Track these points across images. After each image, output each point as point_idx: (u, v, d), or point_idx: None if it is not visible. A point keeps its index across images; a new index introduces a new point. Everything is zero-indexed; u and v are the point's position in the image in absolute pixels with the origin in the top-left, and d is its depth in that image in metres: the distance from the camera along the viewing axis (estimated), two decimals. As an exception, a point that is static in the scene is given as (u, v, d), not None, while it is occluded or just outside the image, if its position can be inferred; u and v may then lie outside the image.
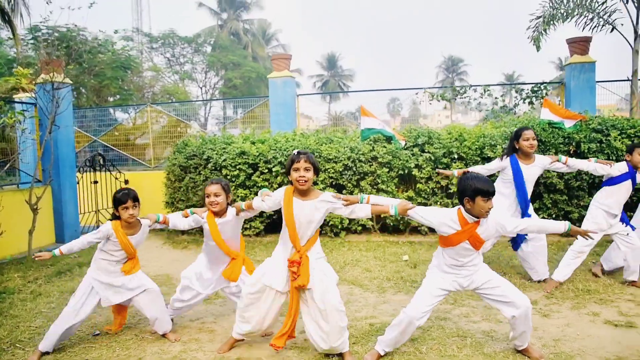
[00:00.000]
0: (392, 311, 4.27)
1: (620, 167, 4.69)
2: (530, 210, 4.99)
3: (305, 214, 3.23)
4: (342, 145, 6.98)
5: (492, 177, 4.56)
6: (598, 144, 6.27)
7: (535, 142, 4.70)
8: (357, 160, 6.81)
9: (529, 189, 4.82)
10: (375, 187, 6.82)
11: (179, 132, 11.18)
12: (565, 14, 7.72)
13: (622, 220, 4.81)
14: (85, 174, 8.65)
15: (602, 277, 5.05)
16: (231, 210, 3.75)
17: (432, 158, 6.64)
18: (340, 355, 3.34)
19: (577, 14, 7.72)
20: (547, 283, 4.85)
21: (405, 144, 6.92)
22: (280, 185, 7.14)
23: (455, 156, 6.60)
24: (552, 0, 7.87)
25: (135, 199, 3.65)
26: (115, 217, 3.70)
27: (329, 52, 44.49)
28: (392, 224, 6.99)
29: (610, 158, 6.18)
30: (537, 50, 7.96)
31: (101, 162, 9.00)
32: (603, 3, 7.60)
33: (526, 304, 3.18)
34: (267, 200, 3.39)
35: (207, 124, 21.06)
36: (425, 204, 6.79)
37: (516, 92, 8.81)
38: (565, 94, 8.39)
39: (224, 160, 7.33)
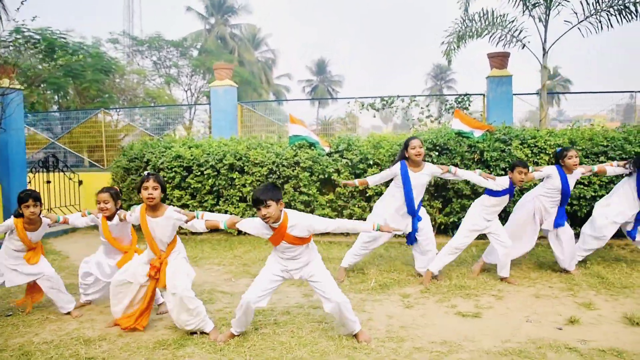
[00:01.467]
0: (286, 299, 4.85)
1: (502, 183, 5.11)
2: (422, 212, 5.43)
3: (157, 228, 3.81)
4: (268, 151, 7.41)
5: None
6: (500, 153, 6.69)
7: (421, 151, 5.13)
8: (280, 165, 7.24)
9: (418, 194, 5.23)
10: (297, 190, 7.24)
11: (133, 135, 11.61)
12: (478, 30, 8.16)
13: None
14: (38, 174, 9.08)
15: (479, 275, 5.49)
16: (117, 216, 4.30)
17: (350, 164, 7.07)
18: (206, 333, 3.89)
19: (487, 32, 8.15)
20: (424, 276, 5.28)
21: (330, 151, 7.34)
22: (211, 187, 7.59)
23: (371, 162, 7.02)
24: (465, 19, 8.32)
25: (37, 199, 4.22)
26: (19, 214, 4.24)
27: (318, 58, 44.99)
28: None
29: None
30: (449, 65, 8.39)
31: (54, 163, 9.43)
32: (512, 22, 8.04)
33: (338, 300, 3.66)
34: (132, 216, 4.02)
35: (191, 126, 21.52)
36: (344, 207, 7.22)
37: (441, 102, 9.24)
38: (486, 105, 8.82)
39: (162, 163, 7.77)
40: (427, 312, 4.46)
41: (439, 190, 6.99)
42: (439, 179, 6.57)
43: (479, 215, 5.24)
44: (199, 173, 7.59)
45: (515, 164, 5.08)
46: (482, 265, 5.59)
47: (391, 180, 5.34)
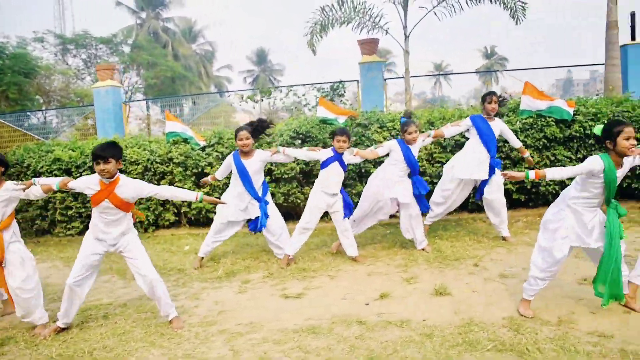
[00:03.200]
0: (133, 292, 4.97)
1: (326, 152, 5.35)
2: (268, 197, 5.63)
3: None
4: (144, 149, 7.45)
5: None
6: (360, 137, 6.94)
7: (248, 142, 5.32)
8: (154, 162, 7.30)
9: (255, 180, 5.44)
10: (172, 185, 7.32)
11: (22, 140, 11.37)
12: (340, 19, 8.38)
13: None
14: None
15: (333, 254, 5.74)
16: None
17: (221, 157, 7.19)
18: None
19: (346, 20, 8.38)
20: (282, 259, 5.49)
21: (204, 144, 7.43)
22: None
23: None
24: (325, 9, 8.53)
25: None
26: None
27: (258, 47, 44.74)
28: (192, 217, 7.56)
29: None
30: (314, 54, 8.63)
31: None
32: (371, 9, 8.30)
33: (151, 277, 3.89)
34: None
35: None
36: (219, 197, 7.34)
37: (317, 90, 9.47)
38: (360, 90, 9.09)
39: (41, 167, 7.70)
40: (256, 295, 4.66)
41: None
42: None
43: (317, 191, 5.46)
44: (78, 175, 7.56)
45: (333, 132, 5.35)
46: (339, 245, 5.80)
47: None
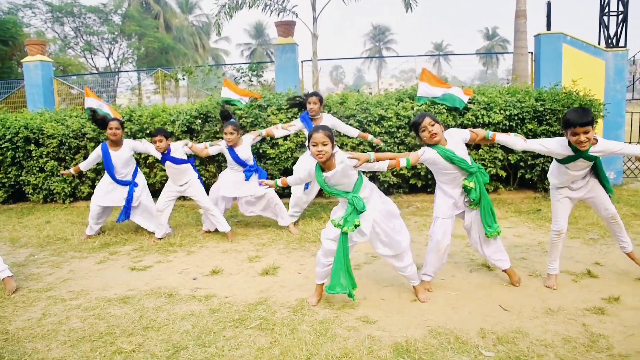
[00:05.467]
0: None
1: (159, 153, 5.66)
2: (139, 178, 6.10)
3: None
4: (62, 124, 7.76)
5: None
6: (256, 119, 7.18)
7: (118, 132, 5.76)
8: (68, 137, 7.62)
9: (122, 167, 5.85)
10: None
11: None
12: (249, 2, 8.52)
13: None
14: None
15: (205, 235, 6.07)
16: None
17: (130, 133, 7.49)
18: None
19: (254, 4, 8.50)
20: (152, 239, 5.86)
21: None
22: (12, 159, 7.92)
23: (148, 132, 7.46)
24: None
25: None
26: None
27: (256, 21, 44.46)
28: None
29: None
30: (218, 34, 8.76)
31: None
32: None
33: None
34: None
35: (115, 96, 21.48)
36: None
37: (237, 71, 9.64)
38: (275, 72, 9.24)
39: (-31, 136, 8.05)
40: (110, 266, 5.02)
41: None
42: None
43: (169, 183, 5.87)
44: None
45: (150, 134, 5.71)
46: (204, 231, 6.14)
47: None
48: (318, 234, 5.75)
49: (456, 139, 3.85)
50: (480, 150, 6.98)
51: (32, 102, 9.97)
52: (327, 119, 5.88)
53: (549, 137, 6.95)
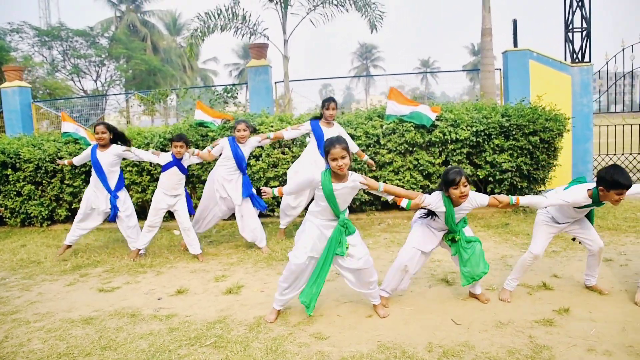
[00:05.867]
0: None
1: (166, 157, 5.79)
2: (123, 192, 6.13)
3: None
4: (39, 148, 7.86)
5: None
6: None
7: (104, 136, 5.85)
8: (44, 160, 7.71)
9: (108, 173, 5.95)
10: (63, 183, 7.75)
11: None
12: (221, 26, 8.73)
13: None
14: None
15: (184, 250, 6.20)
16: None
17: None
18: None
19: (226, 28, 8.72)
20: (131, 253, 5.97)
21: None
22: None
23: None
24: (200, 15, 8.87)
25: None
26: None
27: (244, 42, 44.88)
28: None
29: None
30: (192, 58, 8.96)
31: None
32: (250, 16, 8.65)
33: None
34: None
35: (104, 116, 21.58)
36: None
37: (212, 93, 9.82)
38: (249, 93, 9.42)
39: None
40: (79, 288, 5.07)
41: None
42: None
43: (158, 192, 5.93)
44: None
45: (172, 139, 5.79)
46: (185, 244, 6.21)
47: None
48: (286, 252, 5.83)
49: (471, 204, 3.80)
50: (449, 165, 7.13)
51: (11, 127, 10.12)
52: (336, 129, 6.08)
53: (516, 151, 7.13)
